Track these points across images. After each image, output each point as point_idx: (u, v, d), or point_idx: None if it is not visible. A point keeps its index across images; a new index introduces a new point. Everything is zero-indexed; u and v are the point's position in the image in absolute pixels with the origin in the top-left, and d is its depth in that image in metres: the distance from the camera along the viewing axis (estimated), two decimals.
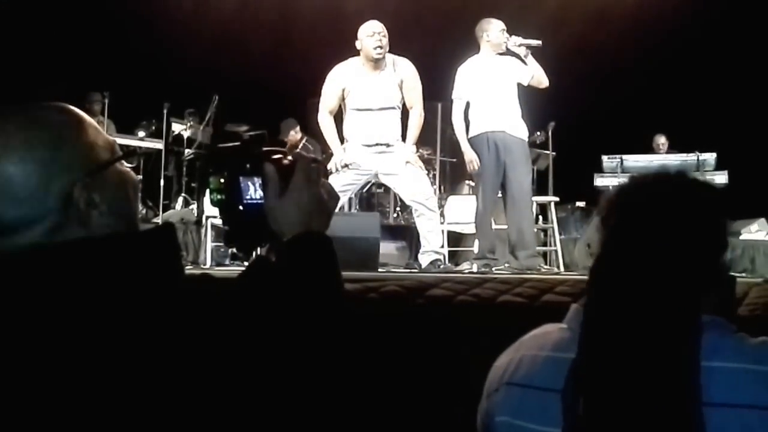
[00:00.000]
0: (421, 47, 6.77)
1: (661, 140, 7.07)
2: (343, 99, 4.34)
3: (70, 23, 6.77)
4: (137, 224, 1.05)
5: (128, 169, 1.03)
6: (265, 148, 1.10)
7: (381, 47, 4.16)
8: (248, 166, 1.06)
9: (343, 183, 4.23)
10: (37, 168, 0.92)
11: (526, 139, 4.58)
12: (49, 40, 6.53)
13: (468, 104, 4.52)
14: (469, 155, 4.44)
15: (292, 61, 7.23)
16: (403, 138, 4.34)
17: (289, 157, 1.08)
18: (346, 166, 4.25)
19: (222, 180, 1.06)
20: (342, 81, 4.30)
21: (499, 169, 4.38)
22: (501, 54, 4.54)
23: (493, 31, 4.51)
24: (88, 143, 0.97)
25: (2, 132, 0.93)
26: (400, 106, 4.33)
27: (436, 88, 5.05)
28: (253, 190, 1.06)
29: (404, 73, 4.26)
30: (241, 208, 1.05)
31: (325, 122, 4.39)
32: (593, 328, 1.00)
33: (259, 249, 1.22)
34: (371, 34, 4.17)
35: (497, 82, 4.47)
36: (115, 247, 0.92)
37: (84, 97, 6.52)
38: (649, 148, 7.01)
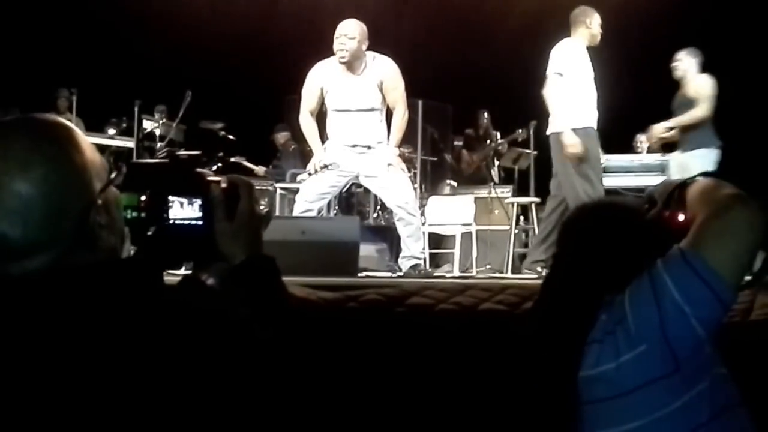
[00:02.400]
0: (401, 43, 6.69)
1: (642, 139, 7.03)
2: (322, 99, 4.19)
3: (37, 19, 6.60)
4: (125, 240, 1.05)
5: (116, 189, 1.02)
6: (199, 170, 1.09)
7: (344, 50, 3.96)
8: (185, 185, 1.05)
9: (325, 185, 4.14)
10: (55, 189, 0.88)
11: None
12: (17, 35, 6.35)
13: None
14: (572, 140, 4.26)
15: (269, 56, 7.12)
16: (387, 139, 4.21)
17: (222, 181, 1.09)
18: (326, 167, 4.12)
19: (143, 197, 1.04)
20: (320, 80, 4.16)
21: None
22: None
23: (595, 21, 4.45)
24: (95, 162, 0.95)
25: (16, 149, 0.88)
26: (383, 107, 4.16)
27: (417, 85, 4.95)
28: (185, 210, 1.05)
29: (383, 74, 4.08)
30: (168, 225, 1.05)
31: (305, 123, 4.28)
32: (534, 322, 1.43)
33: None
34: (336, 36, 4.00)
35: (591, 73, 4.41)
36: (128, 272, 0.92)
37: (50, 93, 6.33)
38: (630, 148, 6.97)
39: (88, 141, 0.97)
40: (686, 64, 5.02)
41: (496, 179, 6.81)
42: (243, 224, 1.08)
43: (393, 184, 4.10)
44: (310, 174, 4.19)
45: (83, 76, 6.23)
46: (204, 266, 1.09)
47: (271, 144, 7.30)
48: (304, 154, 6.81)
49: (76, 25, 6.70)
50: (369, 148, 4.13)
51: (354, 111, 4.09)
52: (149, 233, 1.04)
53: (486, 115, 7.27)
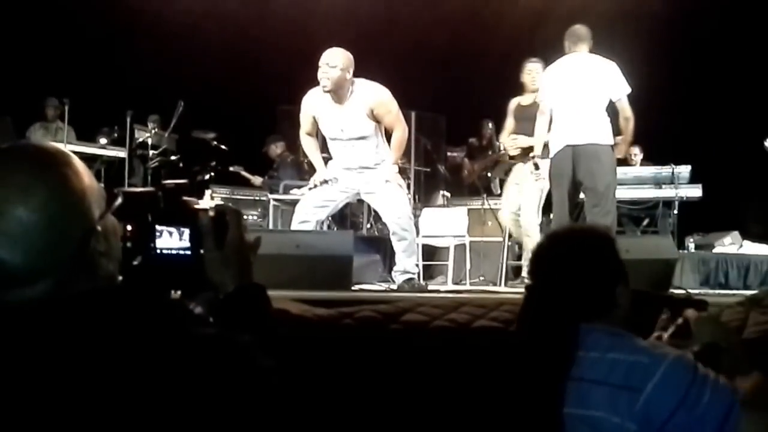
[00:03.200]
0: (394, 54, 6.69)
1: (634, 151, 7.05)
2: (317, 125, 4.19)
3: (30, 28, 6.56)
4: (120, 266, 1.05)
5: (113, 217, 1.01)
6: (186, 199, 1.09)
7: (327, 79, 3.89)
8: (173, 215, 1.05)
9: (325, 198, 4.12)
10: (56, 216, 0.88)
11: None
12: (9, 43, 6.32)
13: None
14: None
15: (262, 66, 7.10)
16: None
17: (209, 209, 1.09)
18: (326, 182, 4.13)
19: (128, 227, 1.03)
20: (311, 109, 4.15)
21: None
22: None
23: None
24: (94, 190, 0.95)
25: (17, 176, 0.88)
26: (377, 132, 4.10)
27: (411, 97, 4.95)
28: (173, 240, 1.05)
29: (371, 102, 3.98)
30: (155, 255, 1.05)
31: (305, 143, 4.31)
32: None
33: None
34: (320, 64, 3.93)
35: None
36: (122, 300, 0.91)
37: (40, 102, 6.29)
38: (622, 160, 6.98)
39: (86, 168, 0.96)
40: None
41: (499, 190, 6.80)
42: (232, 253, 1.08)
43: (389, 200, 4.09)
44: (310, 189, 4.18)
45: (76, 86, 6.19)
46: (191, 295, 1.08)
47: (265, 156, 7.28)
48: (299, 165, 6.82)
49: (69, 35, 6.67)
50: (369, 168, 4.12)
51: (345, 140, 4.07)
52: (135, 263, 1.03)
53: (491, 125, 7.26)
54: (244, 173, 7.24)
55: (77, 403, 0.81)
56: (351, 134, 4.04)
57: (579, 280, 1.42)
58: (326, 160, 4.31)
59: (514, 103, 5.15)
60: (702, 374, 1.28)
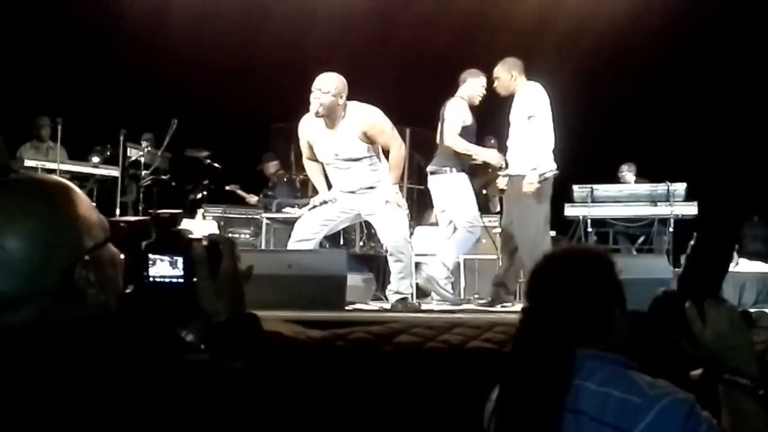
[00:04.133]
0: (388, 70, 6.70)
1: (625, 169, 7.06)
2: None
3: (23, 46, 6.55)
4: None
5: (115, 249, 1.03)
6: (180, 228, 1.10)
7: (318, 104, 3.88)
8: (166, 244, 1.06)
9: (323, 218, 4.11)
10: (40, 244, 0.90)
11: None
12: (2, 62, 6.30)
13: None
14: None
15: (255, 85, 7.10)
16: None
17: (202, 238, 1.10)
18: (326, 202, 4.14)
19: (122, 256, 1.04)
20: (305, 134, 4.16)
21: None
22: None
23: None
24: (87, 221, 0.96)
25: (5, 205, 0.91)
26: (372, 153, 4.09)
27: (405, 113, 4.94)
28: (166, 268, 1.06)
29: (362, 124, 3.97)
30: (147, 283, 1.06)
31: (308, 167, 4.37)
32: (509, 367, 1.40)
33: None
34: (312, 90, 3.93)
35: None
36: (111, 328, 0.92)
37: (32, 121, 6.27)
38: (615, 178, 6.99)
39: (87, 201, 0.99)
40: None
41: (498, 207, 6.77)
42: (226, 282, 1.09)
43: (388, 222, 4.08)
44: (309, 209, 4.19)
45: (69, 104, 6.17)
46: (182, 324, 1.08)
47: (261, 174, 7.26)
48: (293, 183, 6.80)
49: (63, 54, 6.67)
50: (368, 188, 4.11)
51: (341, 160, 4.07)
52: (127, 291, 1.04)
53: (492, 141, 7.26)
54: (239, 192, 7.22)
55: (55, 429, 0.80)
56: (345, 156, 4.04)
57: (576, 302, 1.38)
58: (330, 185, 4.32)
59: None
60: (696, 421, 1.22)
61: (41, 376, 0.83)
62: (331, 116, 3.95)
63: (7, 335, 0.87)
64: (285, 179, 7.00)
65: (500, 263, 5.08)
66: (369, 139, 4.01)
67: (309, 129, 4.10)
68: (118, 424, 0.82)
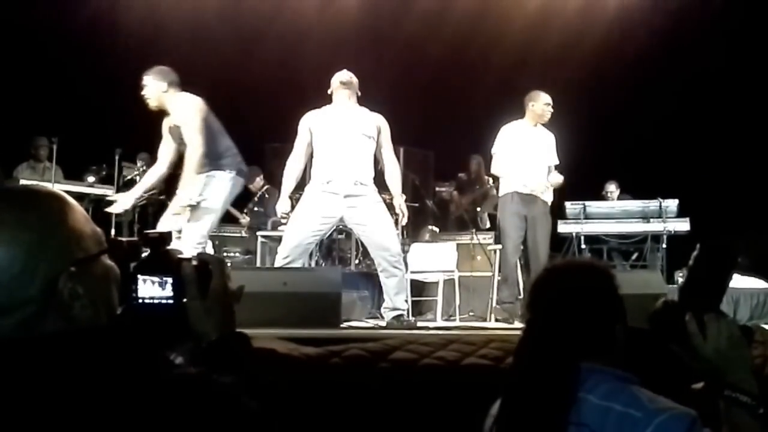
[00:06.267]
0: (382, 90, 6.74)
1: (611, 188, 7.13)
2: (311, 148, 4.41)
3: (19, 66, 6.58)
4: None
5: (112, 264, 1.02)
6: (169, 248, 1.08)
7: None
8: (156, 264, 1.05)
9: (309, 235, 4.11)
10: (22, 252, 0.88)
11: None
12: None
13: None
14: None
15: (250, 104, 7.12)
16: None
17: (192, 258, 1.09)
18: (287, 215, 4.25)
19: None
20: (309, 122, 4.34)
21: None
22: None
23: (538, 102, 5.08)
24: (77, 232, 0.94)
25: None
26: (374, 147, 4.33)
27: (399, 133, 4.97)
28: (155, 289, 1.05)
29: (378, 121, 4.31)
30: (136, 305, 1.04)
31: (289, 166, 4.59)
32: (512, 381, 1.39)
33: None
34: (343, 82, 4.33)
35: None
36: (96, 342, 0.89)
37: (29, 141, 6.27)
38: (600, 196, 7.05)
39: (81, 213, 0.98)
40: None
41: (488, 224, 6.80)
42: (216, 302, 1.07)
43: (380, 235, 4.08)
44: (282, 219, 4.36)
45: (64, 124, 6.19)
46: (171, 346, 1.07)
47: (246, 189, 7.26)
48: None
49: (59, 74, 6.68)
50: (362, 185, 4.16)
51: (358, 135, 4.26)
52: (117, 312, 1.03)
53: (478, 160, 7.32)
54: (233, 211, 7.21)
55: None
56: (357, 130, 4.14)
57: (581, 316, 1.39)
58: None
59: None
60: None
61: (19, 387, 0.82)
62: (351, 99, 4.24)
63: None
64: (276, 196, 6.98)
65: (496, 280, 5.13)
66: (377, 135, 4.22)
67: (316, 116, 4.23)
68: None
